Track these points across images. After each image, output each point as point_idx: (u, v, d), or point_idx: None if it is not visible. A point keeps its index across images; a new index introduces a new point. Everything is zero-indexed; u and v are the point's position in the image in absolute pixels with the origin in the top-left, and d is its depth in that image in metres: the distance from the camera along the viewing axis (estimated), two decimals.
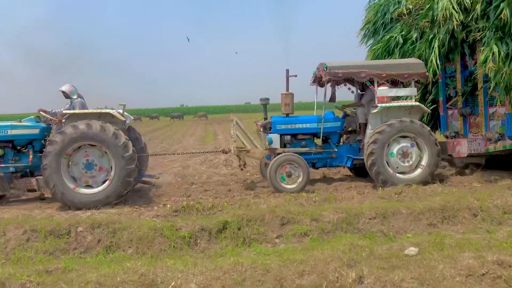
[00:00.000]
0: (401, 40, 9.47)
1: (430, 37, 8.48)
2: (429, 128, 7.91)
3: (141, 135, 8.39)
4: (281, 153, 7.97)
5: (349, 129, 8.86)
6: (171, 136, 24.84)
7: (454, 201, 5.77)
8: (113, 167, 7.10)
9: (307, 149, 8.41)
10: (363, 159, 8.03)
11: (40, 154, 7.40)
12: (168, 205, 6.70)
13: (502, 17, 7.06)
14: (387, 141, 7.70)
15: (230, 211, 6.03)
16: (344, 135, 8.88)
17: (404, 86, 8.22)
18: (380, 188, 7.37)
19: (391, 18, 10.05)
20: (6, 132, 7.46)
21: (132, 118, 8.17)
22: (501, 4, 7.08)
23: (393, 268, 3.96)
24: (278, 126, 8.44)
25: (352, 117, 8.84)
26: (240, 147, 8.36)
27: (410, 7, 9.38)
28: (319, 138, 8.52)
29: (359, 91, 8.99)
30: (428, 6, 8.37)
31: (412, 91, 8.14)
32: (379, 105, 7.88)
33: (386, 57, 9.81)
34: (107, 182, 7.11)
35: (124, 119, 7.54)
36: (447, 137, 9.18)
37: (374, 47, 10.27)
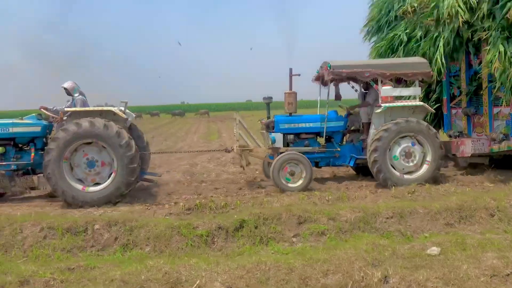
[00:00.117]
0: (405, 38, 9.42)
1: (435, 35, 8.42)
2: (426, 124, 7.82)
3: (143, 133, 8.34)
4: (284, 152, 7.96)
5: (352, 128, 8.81)
6: (174, 133, 24.79)
7: (471, 201, 5.77)
8: (114, 160, 7.06)
9: (310, 148, 8.37)
10: (366, 159, 8.00)
11: (42, 152, 7.37)
12: (181, 203, 6.69)
13: (508, 17, 7.04)
14: (388, 146, 7.67)
15: (246, 210, 6.02)
16: (347, 134, 8.85)
17: (408, 86, 8.19)
18: (393, 187, 7.36)
19: (396, 16, 9.98)
20: (7, 129, 7.42)
21: (134, 115, 8.14)
22: (508, 3, 7.05)
23: (416, 268, 3.96)
24: (281, 125, 8.39)
25: (355, 116, 8.80)
26: (243, 146, 8.36)
27: (415, 5, 9.27)
28: (322, 137, 8.49)
29: (362, 89, 8.97)
30: (433, 4, 8.30)
31: (416, 90, 8.11)
32: (382, 105, 7.85)
33: (390, 55, 9.76)
34: (113, 174, 7.08)
35: (126, 117, 7.50)
36: (450, 136, 9.17)
37: (378, 45, 10.22)
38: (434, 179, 7.70)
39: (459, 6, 7.68)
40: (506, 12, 7.06)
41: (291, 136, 8.49)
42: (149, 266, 4.06)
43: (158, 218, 5.84)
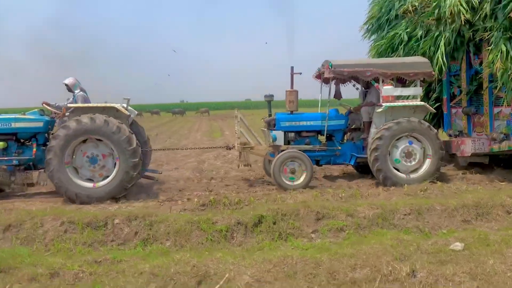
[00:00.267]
0: (405, 37, 9.38)
1: (436, 34, 8.42)
2: (417, 120, 7.81)
3: (143, 129, 8.33)
4: (285, 150, 7.99)
5: (353, 126, 8.82)
6: (177, 131, 24.83)
7: (487, 198, 5.82)
8: (114, 150, 7.07)
9: (311, 146, 8.38)
10: (366, 157, 8.03)
11: (44, 148, 7.36)
12: (196, 199, 6.71)
13: (511, 16, 7.06)
14: (388, 147, 7.70)
15: (261, 206, 6.04)
16: (348, 133, 8.87)
17: (408, 85, 8.20)
18: (405, 185, 7.41)
19: (396, 15, 9.94)
20: (10, 125, 7.39)
21: (136, 112, 8.14)
22: (511, 3, 7.04)
23: (442, 263, 4.00)
24: (282, 123, 8.38)
25: (356, 115, 8.81)
26: (244, 143, 8.36)
27: (416, 4, 9.28)
28: (323, 135, 8.50)
29: (363, 88, 9.00)
30: (435, 3, 8.30)
31: (417, 90, 8.14)
32: (383, 104, 7.88)
33: (390, 53, 9.75)
34: (117, 162, 7.08)
35: (128, 113, 7.51)
36: (450, 135, 9.22)
37: (378, 43, 10.21)
38: (438, 169, 7.77)
39: (461, 5, 7.68)
40: (509, 12, 7.05)
41: (292, 134, 8.50)
42: (176, 259, 4.08)
43: (176, 213, 5.86)
